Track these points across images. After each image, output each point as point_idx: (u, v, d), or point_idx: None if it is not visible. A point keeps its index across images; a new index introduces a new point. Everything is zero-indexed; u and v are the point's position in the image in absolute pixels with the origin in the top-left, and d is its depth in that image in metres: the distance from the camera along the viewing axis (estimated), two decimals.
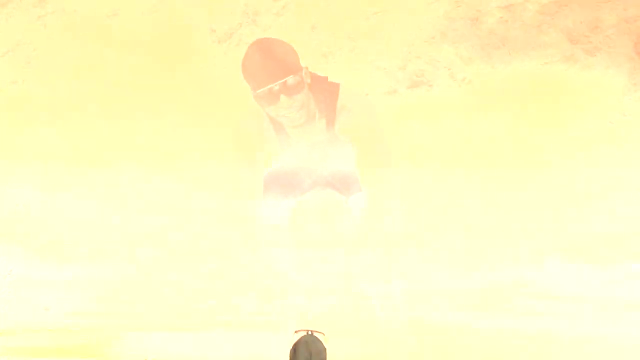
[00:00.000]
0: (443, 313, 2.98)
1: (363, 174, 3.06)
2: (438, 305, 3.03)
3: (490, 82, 3.79)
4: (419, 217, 3.46)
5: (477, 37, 3.90)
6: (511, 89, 3.78)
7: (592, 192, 3.54)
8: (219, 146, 3.24)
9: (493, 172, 3.57)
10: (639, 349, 2.86)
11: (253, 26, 3.36)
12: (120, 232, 3.56)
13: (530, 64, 3.86)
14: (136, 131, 3.70)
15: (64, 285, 3.36)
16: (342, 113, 2.92)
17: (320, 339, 2.27)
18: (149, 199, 3.62)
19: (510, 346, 2.84)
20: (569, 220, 3.45)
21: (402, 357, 2.85)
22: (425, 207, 3.49)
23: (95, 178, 3.68)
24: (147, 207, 3.61)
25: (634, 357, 2.90)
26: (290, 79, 2.69)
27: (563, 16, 3.94)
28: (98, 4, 3.92)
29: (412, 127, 3.54)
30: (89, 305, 3.23)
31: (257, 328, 2.98)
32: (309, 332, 2.27)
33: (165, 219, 3.56)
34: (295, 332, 2.26)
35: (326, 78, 2.94)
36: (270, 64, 2.68)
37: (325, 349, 2.27)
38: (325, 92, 2.88)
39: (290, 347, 2.22)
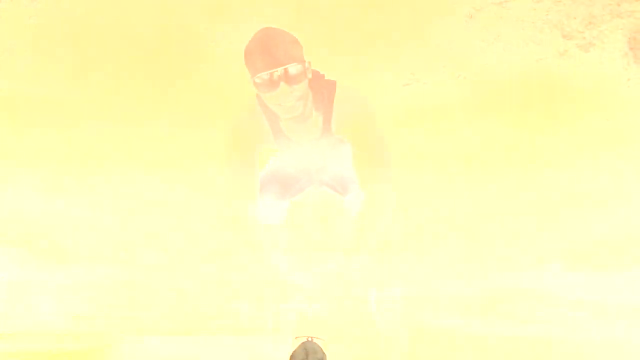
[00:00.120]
0: (442, 319, 2.99)
1: (360, 175, 3.05)
2: (437, 311, 3.03)
3: (486, 81, 3.79)
4: (418, 223, 3.47)
5: (472, 34, 3.90)
6: (507, 88, 3.78)
7: (593, 198, 3.54)
8: (219, 149, 3.24)
9: (493, 177, 3.57)
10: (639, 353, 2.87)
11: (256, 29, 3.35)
12: (120, 235, 3.57)
13: (524, 60, 3.86)
14: (136, 134, 3.70)
15: (64, 288, 3.37)
16: (339, 111, 2.90)
17: (320, 345, 2.28)
18: (148, 203, 3.62)
19: (511, 352, 2.85)
20: (569, 226, 3.46)
21: None
22: (424, 213, 3.49)
23: (94, 181, 3.68)
24: (146, 211, 3.61)
25: None
26: (293, 67, 2.66)
27: (556, 12, 3.94)
28: (96, 6, 3.90)
29: (411, 129, 3.54)
30: (88, 309, 3.25)
31: (256, 332, 2.98)
32: (309, 339, 2.28)
33: (165, 223, 3.56)
34: (295, 337, 2.27)
35: (324, 75, 2.92)
36: (274, 52, 2.65)
37: (325, 355, 2.28)
38: (323, 89, 2.86)
39: (290, 353, 2.23)
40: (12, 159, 3.76)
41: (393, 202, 3.02)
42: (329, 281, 2.89)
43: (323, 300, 2.89)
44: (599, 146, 3.68)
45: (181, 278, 3.31)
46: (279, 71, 2.64)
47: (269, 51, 2.65)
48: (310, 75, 2.75)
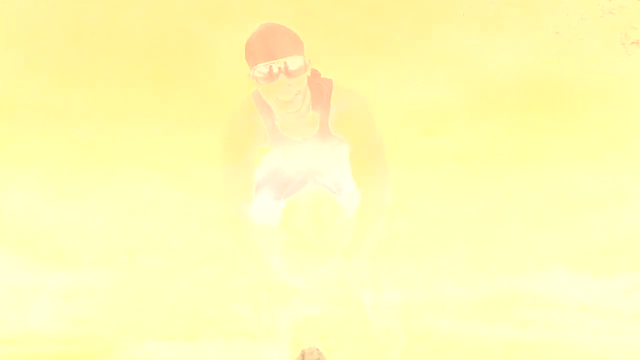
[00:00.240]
0: (443, 322, 2.99)
1: (359, 175, 3.02)
2: (437, 314, 3.04)
3: (486, 82, 3.79)
4: (418, 225, 3.47)
5: (471, 36, 3.91)
6: (507, 89, 3.78)
7: (596, 200, 3.54)
8: (219, 151, 3.23)
9: (493, 179, 3.58)
10: None
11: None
12: (119, 239, 3.56)
13: (523, 61, 3.86)
14: (135, 137, 3.69)
15: (62, 292, 3.36)
16: (337, 110, 2.89)
17: (322, 352, 2.31)
18: (148, 206, 3.62)
19: (512, 356, 2.86)
20: (572, 228, 3.45)
21: None
22: (424, 215, 3.50)
23: (94, 184, 3.67)
24: (146, 214, 3.61)
25: None
26: (292, 60, 2.66)
27: (550, 10, 3.95)
28: (94, 7, 3.88)
29: (411, 131, 3.54)
30: (88, 313, 3.24)
31: (258, 337, 2.99)
32: (311, 345, 2.30)
33: (166, 226, 3.56)
34: (297, 344, 2.29)
35: (320, 74, 2.92)
36: (274, 45, 2.65)
37: None
38: (321, 88, 2.85)
39: None
40: (12, 162, 3.75)
41: (390, 202, 3.02)
42: (327, 284, 2.90)
43: (322, 303, 2.91)
44: (602, 147, 3.69)
45: (183, 282, 3.32)
46: (279, 63, 2.63)
47: (269, 45, 2.64)
48: (309, 73, 2.75)
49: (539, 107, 3.82)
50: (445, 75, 3.84)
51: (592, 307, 3.11)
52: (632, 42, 3.95)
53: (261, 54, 2.64)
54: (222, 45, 3.77)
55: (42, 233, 3.65)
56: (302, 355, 2.32)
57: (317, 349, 2.33)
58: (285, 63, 2.62)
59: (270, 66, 2.63)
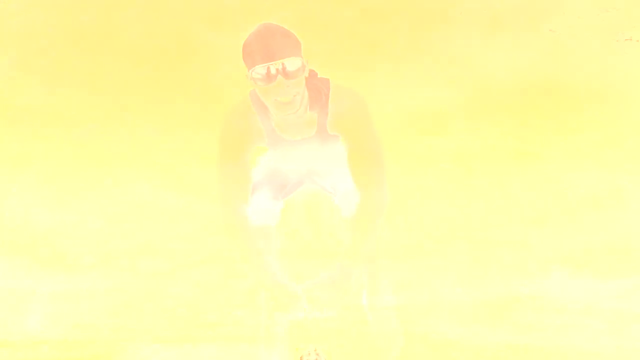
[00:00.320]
0: (444, 327, 2.98)
1: (357, 175, 3.00)
2: (438, 319, 3.03)
3: (486, 84, 3.79)
4: (418, 228, 3.46)
5: (471, 39, 3.91)
6: (507, 91, 3.78)
7: (599, 202, 3.53)
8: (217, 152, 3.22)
9: (495, 182, 3.57)
10: None
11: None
12: (118, 242, 3.56)
13: (523, 64, 3.86)
14: (135, 140, 3.68)
15: (61, 296, 3.35)
16: (334, 109, 2.87)
17: (321, 356, 2.29)
18: (148, 208, 3.61)
19: (514, 359, 2.85)
20: (575, 231, 3.44)
21: None
22: (425, 218, 3.49)
23: (92, 186, 3.67)
24: (146, 216, 3.60)
25: None
26: (290, 61, 2.64)
27: (547, 10, 3.95)
28: (91, 9, 3.87)
29: (412, 134, 3.53)
30: (85, 317, 3.23)
31: (256, 340, 2.98)
32: (310, 349, 2.29)
33: (165, 229, 3.55)
34: (297, 349, 2.28)
35: (317, 73, 2.91)
36: (272, 46, 2.63)
37: None
38: (319, 88, 2.84)
39: None
40: (14, 166, 3.75)
41: (388, 202, 2.99)
42: (326, 287, 2.89)
43: (320, 306, 2.90)
44: (602, 147, 3.68)
45: (185, 286, 3.31)
46: (277, 64, 2.61)
47: (267, 46, 2.62)
48: (307, 74, 2.73)
49: (538, 107, 3.81)
50: (445, 76, 3.83)
51: (593, 309, 3.10)
52: (626, 39, 3.95)
53: (259, 55, 2.62)
54: (220, 47, 3.77)
55: (40, 235, 3.65)
56: (301, 359, 2.31)
57: (316, 353, 2.32)
58: (283, 64, 2.61)
59: (268, 67, 2.61)
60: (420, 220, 3.52)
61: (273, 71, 2.61)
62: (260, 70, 2.63)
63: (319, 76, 2.87)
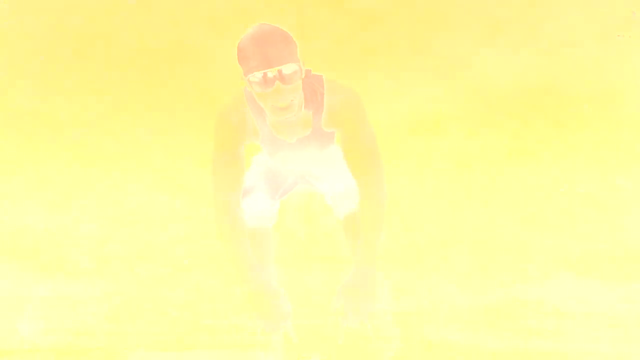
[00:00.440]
0: (447, 332, 2.96)
1: (355, 174, 2.98)
2: (441, 324, 3.01)
3: (487, 87, 3.78)
4: (421, 232, 3.45)
5: (471, 44, 3.91)
6: (508, 95, 3.77)
7: (603, 206, 3.52)
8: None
9: (497, 186, 3.56)
10: None
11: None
12: (114, 247, 3.55)
13: (523, 68, 3.85)
14: (134, 146, 3.66)
15: (56, 302, 3.33)
16: (328, 105, 2.84)
17: None
18: (144, 213, 3.60)
19: None
20: (579, 235, 3.43)
21: None
22: (427, 223, 3.47)
23: (92, 192, 3.65)
24: (142, 222, 3.59)
25: None
26: (287, 67, 2.60)
27: (546, 17, 3.95)
28: (85, 13, 3.86)
29: (413, 138, 3.52)
30: (89, 324, 3.21)
31: (255, 347, 2.96)
32: (309, 356, 2.27)
33: (162, 234, 3.54)
34: (294, 355, 2.26)
35: (310, 70, 2.88)
36: (268, 50, 2.59)
37: None
38: (314, 87, 2.81)
39: None
40: (14, 171, 3.73)
41: (387, 201, 2.96)
42: (324, 293, 2.87)
43: (327, 314, 2.88)
44: (608, 153, 3.67)
45: (185, 292, 3.29)
46: (274, 71, 2.58)
47: (264, 52, 2.58)
48: (303, 75, 2.69)
49: (536, 110, 3.80)
50: (444, 78, 3.82)
51: (595, 313, 3.08)
52: (618, 35, 3.94)
53: (255, 61, 2.58)
54: (214, 50, 3.75)
55: (34, 240, 3.64)
56: None
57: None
58: (279, 71, 2.57)
59: (265, 73, 2.58)
60: (421, 224, 3.51)
61: (270, 77, 2.58)
62: (257, 74, 2.60)
63: (308, 71, 2.84)
